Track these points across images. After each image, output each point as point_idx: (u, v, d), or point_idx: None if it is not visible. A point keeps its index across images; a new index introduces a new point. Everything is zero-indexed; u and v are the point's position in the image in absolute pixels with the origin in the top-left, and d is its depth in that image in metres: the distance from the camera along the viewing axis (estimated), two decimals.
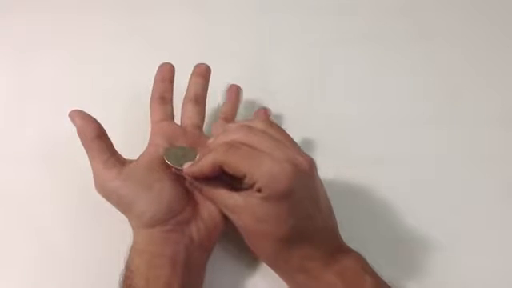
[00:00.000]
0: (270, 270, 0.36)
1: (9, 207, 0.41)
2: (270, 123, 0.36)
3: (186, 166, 0.35)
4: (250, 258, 0.38)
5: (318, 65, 0.52)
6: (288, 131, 0.37)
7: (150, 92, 0.42)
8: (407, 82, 0.52)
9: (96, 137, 0.35)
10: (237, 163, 0.32)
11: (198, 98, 0.42)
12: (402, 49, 0.54)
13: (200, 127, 0.41)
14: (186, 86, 0.43)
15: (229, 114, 0.43)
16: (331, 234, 0.35)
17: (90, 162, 0.35)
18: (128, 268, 0.33)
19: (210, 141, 0.36)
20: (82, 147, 0.35)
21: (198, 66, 0.44)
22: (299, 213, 0.33)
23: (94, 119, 0.36)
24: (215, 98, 0.45)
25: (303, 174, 0.33)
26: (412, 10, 0.58)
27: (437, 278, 0.38)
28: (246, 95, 0.47)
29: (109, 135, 0.36)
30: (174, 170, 0.36)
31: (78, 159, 0.36)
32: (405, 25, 0.56)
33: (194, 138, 0.40)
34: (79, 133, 0.35)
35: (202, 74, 0.43)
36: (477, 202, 0.42)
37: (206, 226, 0.35)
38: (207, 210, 0.36)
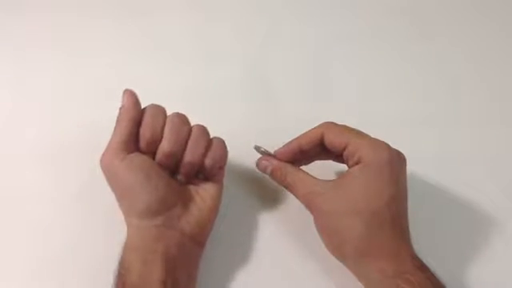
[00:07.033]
0: (261, 266, 0.36)
1: (9, 207, 0.41)
2: None
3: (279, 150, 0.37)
4: (242, 254, 0.38)
5: (319, 65, 0.52)
6: (288, 131, 0.37)
7: (150, 91, 0.41)
8: (407, 81, 0.52)
9: (130, 119, 0.36)
10: (338, 133, 0.35)
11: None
12: (402, 48, 0.54)
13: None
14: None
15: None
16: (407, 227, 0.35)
17: (112, 135, 0.36)
18: (121, 266, 0.33)
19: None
20: (82, 147, 0.35)
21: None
22: (392, 189, 0.33)
23: (140, 106, 0.36)
24: (215, 99, 0.45)
25: (400, 154, 0.35)
26: (412, 10, 0.58)
27: None
28: (246, 95, 0.47)
29: (108, 135, 0.36)
30: (264, 156, 0.38)
31: (78, 159, 0.36)
32: (405, 24, 0.56)
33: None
34: (122, 109, 0.36)
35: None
36: (477, 202, 0.42)
37: (197, 221, 0.36)
38: (197, 207, 0.36)
